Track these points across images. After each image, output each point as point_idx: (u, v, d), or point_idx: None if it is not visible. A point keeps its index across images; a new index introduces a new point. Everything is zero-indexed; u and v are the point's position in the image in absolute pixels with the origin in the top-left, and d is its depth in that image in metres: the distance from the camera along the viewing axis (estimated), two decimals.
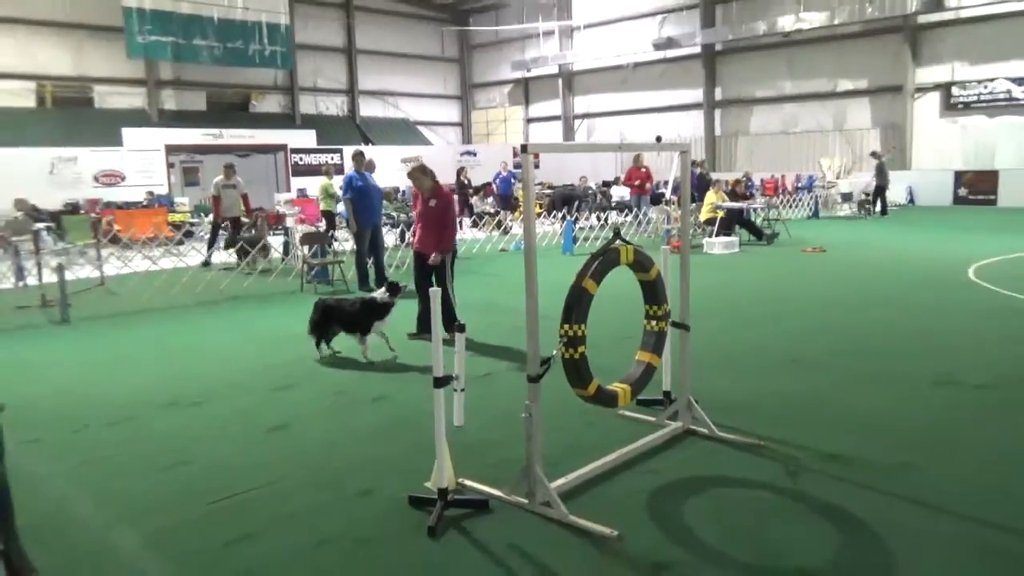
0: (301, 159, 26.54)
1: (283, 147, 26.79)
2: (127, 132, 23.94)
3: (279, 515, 4.08)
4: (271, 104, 33.17)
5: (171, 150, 24.66)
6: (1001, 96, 24.08)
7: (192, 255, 13.56)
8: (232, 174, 14.38)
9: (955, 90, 25.05)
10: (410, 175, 8.28)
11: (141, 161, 23.53)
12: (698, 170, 19.69)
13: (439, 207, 8.00)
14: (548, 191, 24.05)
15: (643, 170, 18.76)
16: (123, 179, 23.02)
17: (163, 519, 4.09)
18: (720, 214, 15.71)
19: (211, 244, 14.61)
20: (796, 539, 3.71)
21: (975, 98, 24.67)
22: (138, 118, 27.65)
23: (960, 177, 24.83)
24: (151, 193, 22.07)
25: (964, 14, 24.17)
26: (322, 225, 15.23)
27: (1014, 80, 23.71)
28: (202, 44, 27.47)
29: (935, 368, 6.44)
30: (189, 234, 16.05)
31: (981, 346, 7.18)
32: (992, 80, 24.19)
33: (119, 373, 7.09)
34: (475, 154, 31.11)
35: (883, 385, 6.09)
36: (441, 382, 3.92)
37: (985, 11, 23.51)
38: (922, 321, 8.33)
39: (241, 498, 4.31)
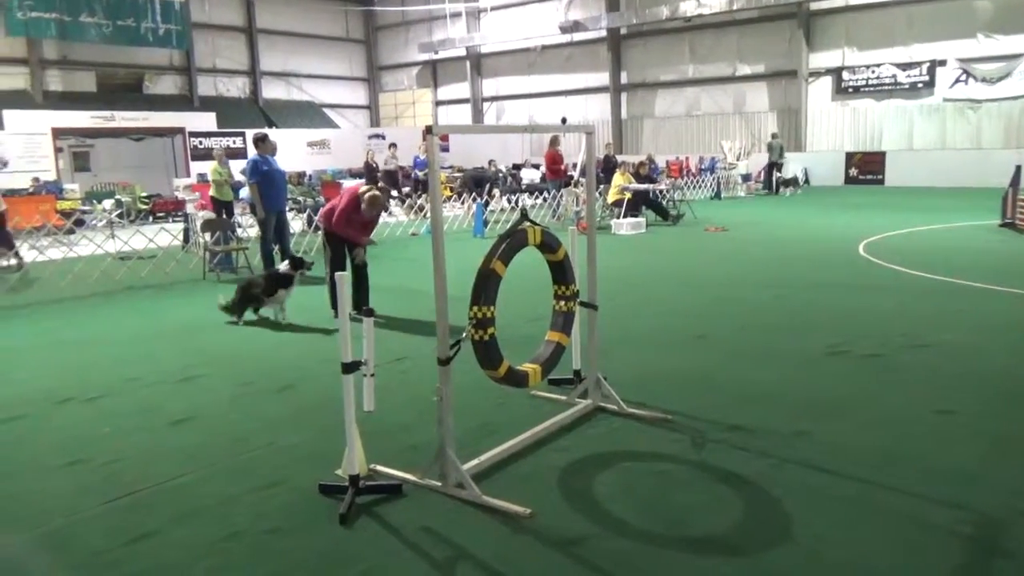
0: (201, 143, 25.55)
1: (181, 130, 25.73)
2: (8, 114, 22.50)
3: (185, 510, 3.96)
4: (167, 85, 31.80)
5: (59, 133, 23.34)
6: (887, 80, 25.36)
7: (84, 244, 12.89)
8: None
9: (845, 74, 26.22)
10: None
11: (25, 145, 22.19)
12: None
13: None
14: (458, 174, 23.93)
15: (560, 153, 18.70)
16: (5, 165, 21.67)
17: (57, 521, 3.89)
18: (627, 196, 16.02)
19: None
20: (701, 507, 3.86)
21: (864, 82, 25.89)
22: (21, 100, 26.03)
23: (851, 158, 26.10)
24: (37, 179, 20.82)
25: (853, 1, 25.30)
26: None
27: (898, 65, 25.00)
28: (90, 21, 26.02)
29: (828, 340, 6.77)
30: (80, 222, 15.22)
31: (869, 318, 7.59)
32: (879, 65, 25.43)
33: (8, 368, 6.70)
34: (384, 137, 30.64)
35: (781, 358, 6.37)
36: (349, 368, 3.87)
37: None
38: (817, 296, 8.73)
39: (143, 495, 4.16)
